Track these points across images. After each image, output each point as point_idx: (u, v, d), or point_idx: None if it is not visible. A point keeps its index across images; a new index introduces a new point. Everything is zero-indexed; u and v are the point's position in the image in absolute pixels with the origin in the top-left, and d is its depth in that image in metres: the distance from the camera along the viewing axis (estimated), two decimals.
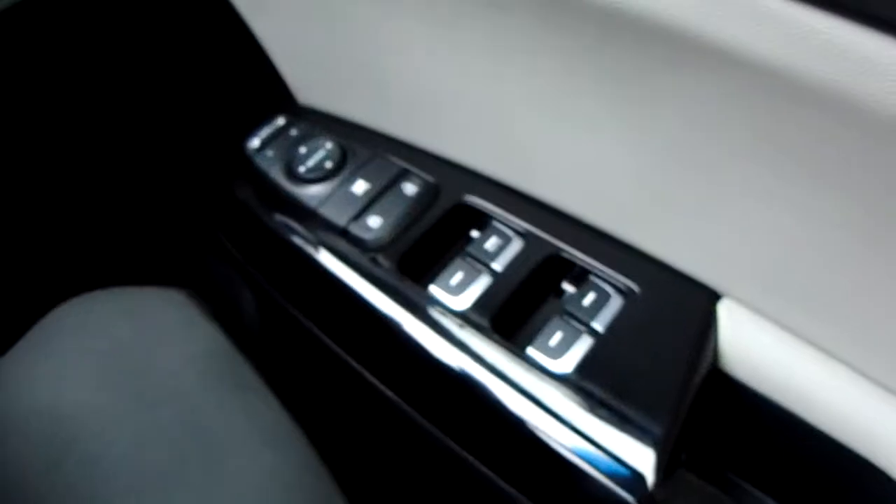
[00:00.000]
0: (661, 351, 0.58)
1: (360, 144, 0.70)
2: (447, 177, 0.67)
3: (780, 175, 0.49)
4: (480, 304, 0.60)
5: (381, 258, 0.63)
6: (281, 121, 0.72)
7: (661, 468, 0.54)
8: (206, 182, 0.78)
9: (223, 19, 0.71)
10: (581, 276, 0.62)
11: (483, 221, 0.65)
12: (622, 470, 0.54)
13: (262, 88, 0.75)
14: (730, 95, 0.47)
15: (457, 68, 0.61)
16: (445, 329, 0.60)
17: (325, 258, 0.65)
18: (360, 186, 0.67)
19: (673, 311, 0.59)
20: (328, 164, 0.68)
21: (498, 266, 0.62)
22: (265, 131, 0.71)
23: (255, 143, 0.71)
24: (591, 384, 0.57)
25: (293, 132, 0.71)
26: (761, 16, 0.42)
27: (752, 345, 0.58)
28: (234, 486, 0.54)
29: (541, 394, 0.57)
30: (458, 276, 0.62)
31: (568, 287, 0.63)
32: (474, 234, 0.65)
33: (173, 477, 0.54)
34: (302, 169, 0.68)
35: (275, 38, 0.71)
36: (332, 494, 0.56)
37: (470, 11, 0.56)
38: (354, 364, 0.66)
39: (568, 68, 0.54)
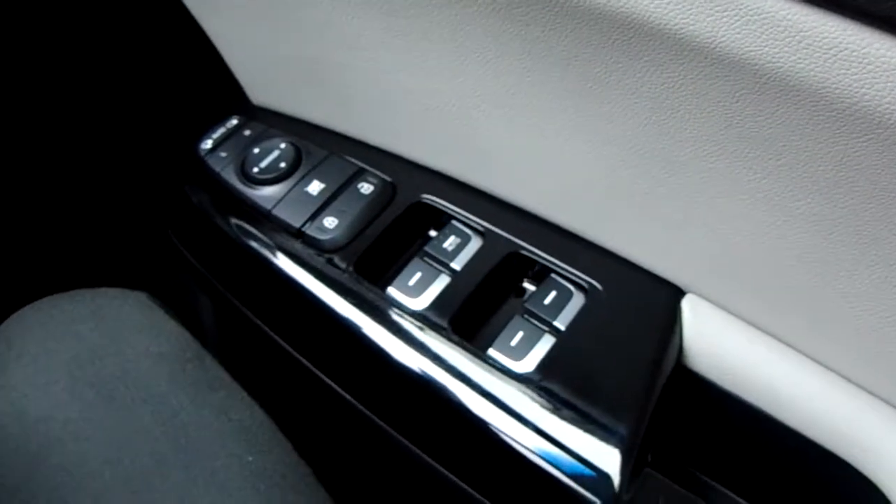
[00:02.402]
0: (625, 349, 0.57)
1: (315, 144, 0.68)
2: (404, 175, 0.65)
3: (742, 169, 0.48)
4: (439, 304, 0.59)
5: (337, 260, 0.62)
6: (234, 121, 0.70)
7: (628, 469, 0.53)
8: (159, 184, 0.77)
9: (175, 19, 0.69)
10: (542, 275, 0.61)
11: (441, 220, 0.64)
12: (588, 471, 0.53)
13: (216, 89, 0.73)
14: (689, 88, 0.46)
15: (411, 65, 0.60)
16: (404, 331, 0.59)
17: (281, 261, 0.63)
18: (315, 187, 0.65)
19: (636, 309, 0.59)
20: (282, 165, 0.66)
21: (457, 265, 0.61)
22: (218, 132, 0.70)
23: (207, 144, 0.69)
24: (554, 384, 0.55)
25: (246, 133, 0.69)
26: (721, 4, 0.41)
27: (716, 340, 0.58)
28: (218, 485, 0.53)
29: (503, 395, 0.56)
30: (416, 277, 0.60)
31: (529, 286, 0.62)
32: (433, 233, 0.64)
33: (154, 478, 0.53)
34: (255, 170, 0.66)
35: (226, 37, 0.69)
36: (317, 492, 0.55)
37: (424, 6, 0.55)
38: (313, 368, 0.65)
39: (524, 63, 0.53)
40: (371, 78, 0.63)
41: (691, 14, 0.42)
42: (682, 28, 0.43)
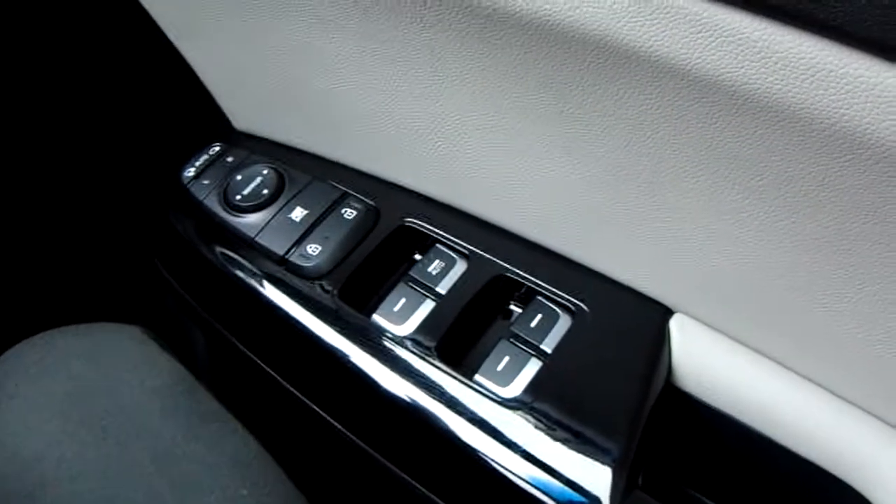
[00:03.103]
0: (614, 370, 0.57)
1: (297, 170, 0.67)
2: (387, 199, 0.65)
3: (724, 189, 0.48)
4: (425, 330, 0.59)
5: (322, 287, 0.61)
6: (216, 148, 0.70)
7: (618, 491, 0.53)
8: (144, 211, 0.76)
9: (155, 46, 0.69)
10: (528, 297, 0.60)
11: (425, 244, 0.63)
12: (577, 497, 0.52)
13: (198, 115, 0.73)
14: (667, 110, 0.46)
15: (390, 88, 0.59)
16: (391, 357, 0.58)
17: (265, 289, 0.62)
18: (298, 213, 0.65)
19: (624, 329, 0.58)
20: (265, 192, 0.66)
21: (442, 289, 0.60)
22: (201, 159, 0.69)
23: (190, 171, 0.69)
24: (541, 408, 0.55)
25: (229, 159, 0.69)
26: (696, 25, 0.41)
27: (705, 359, 0.57)
28: None
29: (491, 421, 0.55)
30: (401, 303, 0.60)
31: (515, 308, 0.61)
32: (417, 256, 0.63)
33: None
34: (238, 197, 0.66)
35: (206, 63, 0.69)
36: None
37: (402, 30, 0.55)
38: (301, 396, 0.64)
39: (503, 85, 0.52)
40: (351, 101, 0.63)
41: (666, 36, 0.42)
42: (657, 50, 0.43)
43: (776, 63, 0.40)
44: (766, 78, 0.41)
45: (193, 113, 0.73)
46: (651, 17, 0.42)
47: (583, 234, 0.59)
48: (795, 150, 0.42)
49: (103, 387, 0.58)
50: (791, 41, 0.39)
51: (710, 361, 0.57)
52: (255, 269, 0.63)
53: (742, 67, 0.41)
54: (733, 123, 0.44)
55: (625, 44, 0.44)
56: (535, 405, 0.55)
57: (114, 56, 0.78)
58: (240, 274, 0.64)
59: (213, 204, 0.67)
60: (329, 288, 0.61)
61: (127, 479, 0.54)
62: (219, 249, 0.65)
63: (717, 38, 0.41)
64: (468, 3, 0.48)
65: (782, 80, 0.40)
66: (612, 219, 0.56)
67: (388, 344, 0.59)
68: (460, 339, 0.59)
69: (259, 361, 0.67)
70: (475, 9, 0.48)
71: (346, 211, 0.64)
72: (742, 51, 0.41)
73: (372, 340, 0.59)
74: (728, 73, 0.41)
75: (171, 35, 0.68)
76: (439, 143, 0.60)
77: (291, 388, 0.65)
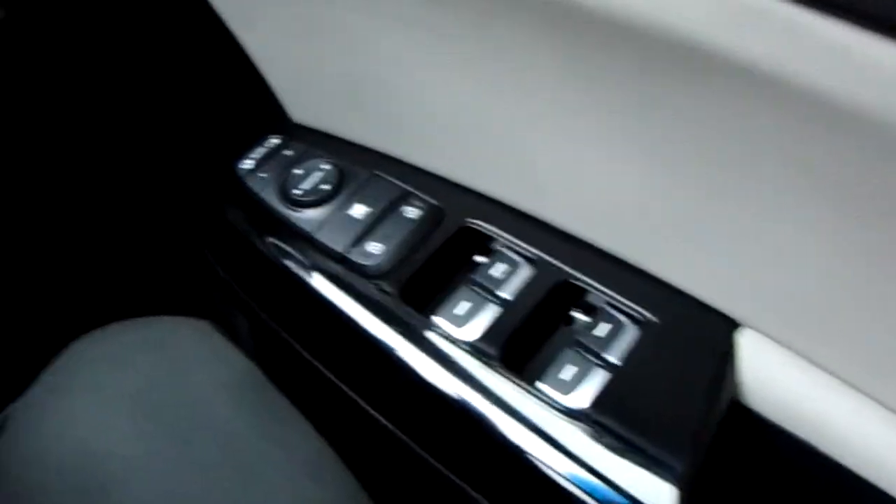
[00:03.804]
0: (680, 384, 0.55)
1: (357, 165, 0.66)
2: (450, 199, 0.64)
3: (805, 201, 0.46)
4: (487, 334, 0.57)
5: (382, 286, 0.60)
6: (274, 140, 0.69)
7: None
8: (196, 201, 0.75)
9: (212, 34, 0.68)
10: (593, 305, 0.59)
11: (489, 246, 0.62)
12: None
13: (255, 106, 0.71)
14: (754, 117, 0.44)
15: (457, 83, 0.58)
16: (450, 361, 0.57)
17: (324, 286, 0.61)
18: (358, 210, 0.63)
19: (691, 342, 0.57)
20: (325, 187, 0.65)
21: (505, 294, 0.59)
22: (258, 152, 0.68)
23: (247, 164, 0.67)
24: (605, 420, 0.54)
25: (287, 153, 0.68)
26: (788, 31, 0.39)
27: (774, 377, 0.56)
28: None
29: (553, 431, 0.54)
30: (463, 306, 0.59)
31: (579, 316, 0.60)
32: (480, 259, 0.62)
33: None
34: (297, 192, 0.65)
35: (265, 52, 0.68)
36: None
37: (471, 24, 0.53)
38: (355, 397, 0.63)
39: (577, 82, 0.51)
40: (413, 96, 0.61)
41: (755, 43, 0.41)
42: (744, 57, 0.41)
43: (874, 77, 0.38)
44: (859, 91, 0.39)
45: (250, 103, 0.72)
46: (743, 22, 0.41)
47: (651, 241, 0.57)
48: (887, 171, 0.41)
49: (171, 381, 0.57)
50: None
51: (779, 379, 0.55)
52: (313, 266, 0.62)
53: (836, 80, 0.39)
54: (820, 136, 0.42)
55: (714, 49, 0.42)
56: (599, 417, 0.54)
57: (169, 42, 0.77)
58: (297, 270, 0.63)
59: (271, 198, 0.65)
60: (390, 288, 0.60)
61: (191, 473, 0.53)
62: (276, 244, 0.64)
63: (812, 48, 0.39)
64: None
65: (878, 97, 0.38)
66: (681, 225, 0.54)
67: (448, 347, 0.57)
68: (523, 346, 0.58)
69: (313, 360, 0.65)
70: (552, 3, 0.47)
71: (407, 209, 0.63)
72: (838, 62, 0.39)
73: (432, 342, 0.58)
74: (819, 84, 0.40)
75: (230, 22, 0.67)
76: (506, 141, 0.59)
77: (347, 389, 0.64)
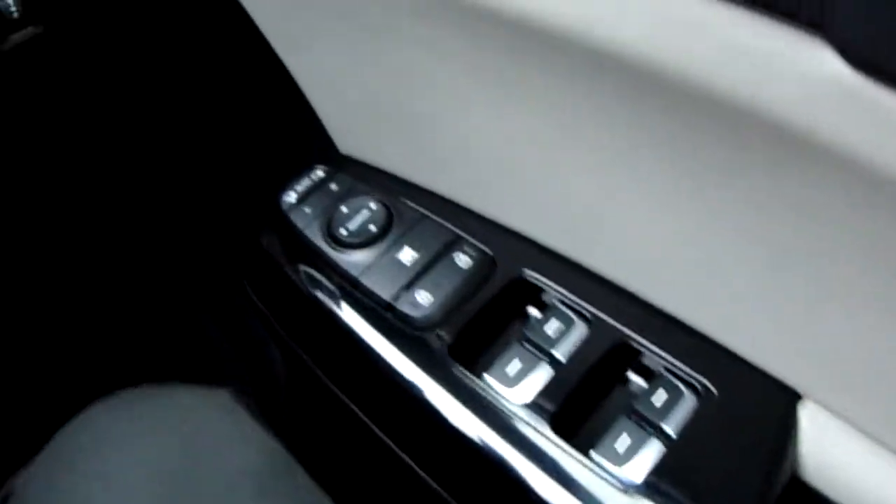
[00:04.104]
0: (738, 457, 0.53)
1: (406, 204, 0.63)
2: (503, 246, 0.61)
3: (875, 277, 0.44)
4: (540, 397, 0.55)
5: (430, 339, 0.58)
6: (319, 173, 0.66)
7: None
8: (235, 231, 0.72)
9: (259, 59, 0.65)
10: (650, 369, 0.57)
11: (542, 299, 0.60)
12: None
13: (301, 135, 0.69)
14: (826, 194, 0.42)
15: (516, 127, 0.55)
16: (501, 425, 0.55)
17: (368, 334, 0.59)
18: (407, 255, 0.61)
19: (751, 414, 0.54)
20: (372, 227, 0.62)
21: (559, 354, 0.57)
22: (302, 184, 0.65)
23: (291, 196, 0.65)
24: (661, 495, 0.51)
25: (333, 187, 0.65)
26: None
27: (835, 453, 0.53)
28: None
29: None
30: (515, 365, 0.56)
31: (635, 378, 0.57)
32: (532, 311, 0.60)
33: None
34: (343, 231, 0.62)
35: (313, 79, 0.65)
36: None
37: (534, 71, 0.51)
38: (399, 451, 0.61)
39: (641, 137, 0.48)
40: (468, 136, 0.59)
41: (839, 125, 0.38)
42: (842, 143, 0.39)
43: None
44: None
45: (295, 132, 0.69)
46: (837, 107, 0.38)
47: (714, 307, 0.55)
48: None
49: (189, 467, 0.53)
50: None
51: (841, 456, 0.53)
52: (358, 313, 0.60)
53: None
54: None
55: (818, 136, 0.40)
56: (654, 491, 0.51)
57: (215, 66, 0.74)
58: (341, 315, 0.60)
59: (315, 235, 0.63)
60: (438, 342, 0.57)
61: None
62: (319, 284, 0.62)
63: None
64: (628, 61, 0.44)
65: None
66: (748, 295, 0.52)
67: (499, 409, 0.55)
68: (577, 410, 0.55)
69: (353, 406, 0.63)
70: (626, 66, 0.44)
71: (459, 257, 0.61)
72: None
73: (482, 403, 0.55)
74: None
75: (278, 47, 0.64)
76: (563, 191, 0.57)
77: (390, 442, 0.61)
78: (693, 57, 0.41)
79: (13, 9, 0.61)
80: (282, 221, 0.64)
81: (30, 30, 0.63)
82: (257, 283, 0.69)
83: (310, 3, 0.60)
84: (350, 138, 0.67)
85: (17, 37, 0.63)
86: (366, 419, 0.62)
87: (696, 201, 0.50)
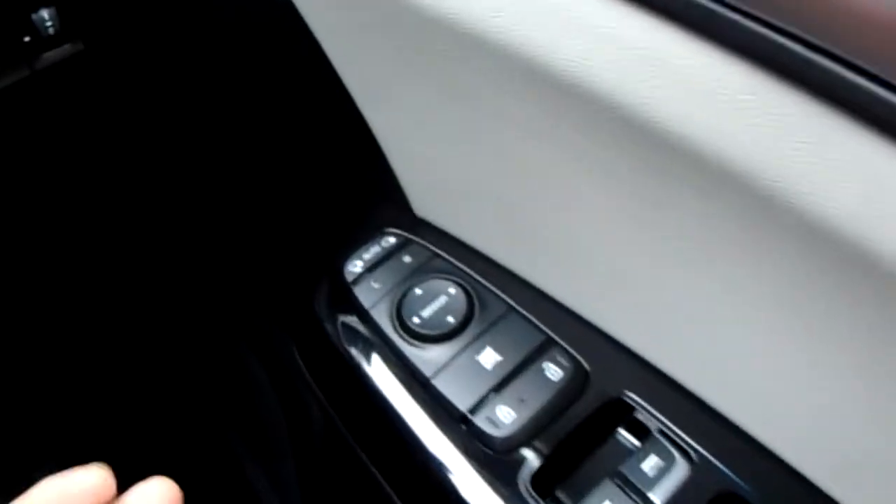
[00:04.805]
0: None
1: (490, 292, 0.55)
2: (597, 357, 0.53)
3: None
4: None
5: (509, 464, 0.50)
6: (391, 240, 0.58)
7: None
8: (291, 292, 0.64)
9: (339, 109, 0.56)
10: None
11: (638, 422, 0.52)
12: None
13: (372, 189, 0.60)
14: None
15: (627, 234, 0.47)
16: None
17: (438, 449, 0.52)
18: (489, 357, 0.53)
19: None
20: (450, 319, 0.54)
21: (656, 497, 0.49)
22: (371, 252, 0.57)
23: (357, 266, 0.57)
24: None
25: (406, 259, 0.57)
26: None
27: None
28: None
29: None
30: None
31: None
32: (626, 436, 0.52)
33: None
34: (416, 320, 0.54)
35: (393, 135, 0.56)
36: None
37: (631, 167, 0.44)
38: None
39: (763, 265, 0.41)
40: (561, 224, 0.51)
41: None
42: None
43: None
44: None
45: (366, 185, 0.60)
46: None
47: (821, 452, 0.48)
48: None
49: None
50: None
51: None
52: (427, 420, 0.52)
53: None
54: None
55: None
56: None
57: (290, 112, 0.65)
58: (406, 420, 0.53)
59: (382, 318, 0.55)
60: (518, 467, 0.50)
61: None
62: (383, 378, 0.54)
63: None
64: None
65: None
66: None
67: None
68: None
69: None
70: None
71: (548, 367, 0.53)
72: None
73: None
74: None
75: (358, 98, 0.55)
76: (673, 310, 0.49)
77: None
78: None
79: (49, 24, 0.52)
80: (346, 295, 0.56)
81: (67, 47, 0.54)
82: (309, 356, 0.61)
83: (400, 60, 0.51)
84: (427, 202, 0.59)
85: (52, 54, 0.54)
86: None
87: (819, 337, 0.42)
